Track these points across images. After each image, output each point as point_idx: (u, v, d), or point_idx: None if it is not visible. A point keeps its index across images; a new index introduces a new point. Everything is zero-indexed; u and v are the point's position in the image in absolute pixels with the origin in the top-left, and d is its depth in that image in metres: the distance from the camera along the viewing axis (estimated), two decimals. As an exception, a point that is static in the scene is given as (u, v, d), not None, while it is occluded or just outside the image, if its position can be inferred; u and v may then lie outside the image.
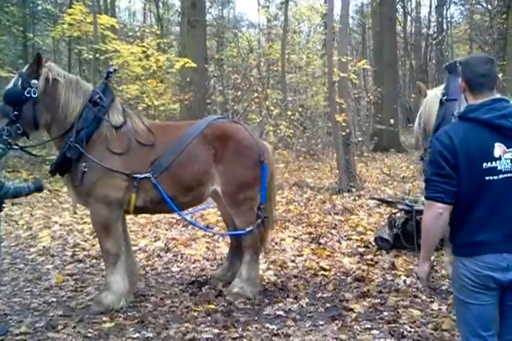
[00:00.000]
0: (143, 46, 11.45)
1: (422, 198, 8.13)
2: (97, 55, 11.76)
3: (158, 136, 4.48)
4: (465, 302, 2.50)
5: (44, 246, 6.73)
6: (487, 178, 2.38)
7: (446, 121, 3.82)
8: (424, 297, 4.60)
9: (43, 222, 8.16)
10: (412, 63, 26.66)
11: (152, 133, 4.48)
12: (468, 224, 2.46)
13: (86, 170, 4.21)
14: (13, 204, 9.37)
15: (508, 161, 2.38)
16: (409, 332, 3.85)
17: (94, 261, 6.11)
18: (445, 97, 4.22)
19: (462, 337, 2.58)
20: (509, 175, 2.38)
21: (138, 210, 4.61)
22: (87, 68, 17.58)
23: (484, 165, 2.38)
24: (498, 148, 2.38)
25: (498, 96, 2.46)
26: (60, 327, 4.05)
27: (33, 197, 9.72)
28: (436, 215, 2.44)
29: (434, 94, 4.58)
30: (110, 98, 4.48)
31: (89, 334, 3.91)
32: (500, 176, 2.38)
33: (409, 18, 29.40)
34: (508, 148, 2.38)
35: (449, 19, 29.94)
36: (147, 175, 4.32)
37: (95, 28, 9.76)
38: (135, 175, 4.30)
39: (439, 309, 4.28)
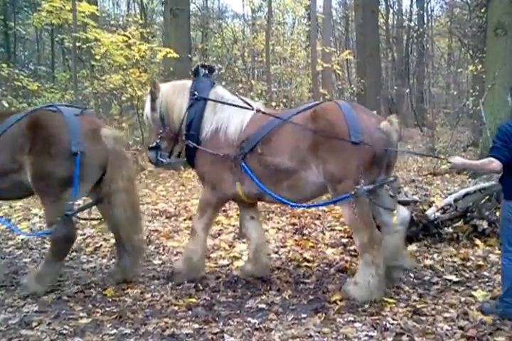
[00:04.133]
0: (124, 35, 11.22)
1: (405, 188, 8.16)
2: (79, 44, 11.53)
3: None
4: (510, 228, 3.77)
5: (22, 239, 6.58)
6: None
7: (198, 117, 4.71)
8: (406, 288, 4.56)
9: (22, 214, 7.98)
10: (394, 55, 26.69)
11: None
12: None
13: None
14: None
15: None
16: (392, 324, 3.80)
17: (74, 253, 5.98)
18: (195, 97, 4.76)
19: (504, 247, 3.87)
20: None
21: None
22: (69, 57, 17.26)
23: None
24: None
25: None
26: (34, 324, 3.93)
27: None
28: (495, 166, 3.67)
29: (169, 88, 4.93)
30: None
31: (65, 331, 3.80)
32: None
33: (391, 10, 29.47)
34: None
35: (429, 12, 30.12)
36: None
37: (74, 15, 9.53)
38: None
39: (422, 300, 4.25)
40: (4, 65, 12.58)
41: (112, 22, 15.48)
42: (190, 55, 12.97)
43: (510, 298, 3.79)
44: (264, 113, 4.61)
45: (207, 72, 5.00)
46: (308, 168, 4.27)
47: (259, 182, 4.41)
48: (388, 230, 4.46)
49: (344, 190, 4.12)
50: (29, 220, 7.59)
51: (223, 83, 12.81)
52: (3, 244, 6.45)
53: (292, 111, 4.62)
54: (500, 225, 4.20)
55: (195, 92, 4.77)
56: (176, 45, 12.16)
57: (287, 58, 17.21)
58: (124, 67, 11.81)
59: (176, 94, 4.88)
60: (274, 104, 12.05)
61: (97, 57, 12.08)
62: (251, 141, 4.45)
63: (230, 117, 4.68)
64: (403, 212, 4.56)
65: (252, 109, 4.66)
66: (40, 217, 7.72)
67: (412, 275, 4.90)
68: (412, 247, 5.62)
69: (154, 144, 4.92)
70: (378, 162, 4.18)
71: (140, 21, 15.33)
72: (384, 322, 3.83)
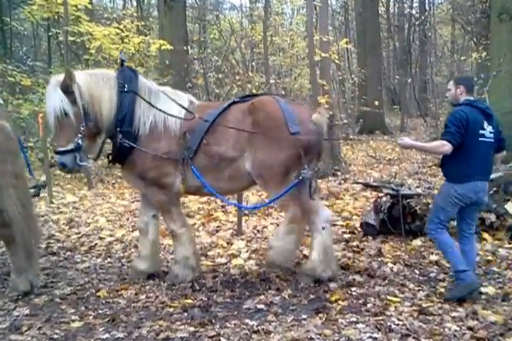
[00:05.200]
0: (117, 28, 10.98)
1: (409, 181, 7.97)
2: (73, 38, 11.30)
3: None
4: (445, 209, 4.07)
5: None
6: (480, 139, 3.97)
7: (131, 111, 4.38)
8: (412, 285, 4.40)
9: (16, 213, 7.80)
10: (396, 44, 26.33)
11: None
12: (465, 164, 3.95)
13: None
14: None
15: (488, 132, 4.01)
16: (397, 325, 3.62)
17: (68, 253, 5.84)
18: (126, 89, 4.39)
19: (432, 223, 4.14)
20: (489, 139, 4.01)
21: None
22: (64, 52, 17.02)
23: (479, 131, 3.97)
24: (485, 123, 4.01)
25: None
26: (24, 329, 3.76)
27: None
28: (447, 149, 3.90)
29: (88, 78, 4.41)
30: None
31: (56, 336, 3.64)
32: (486, 139, 3.99)
33: (391, -2, 28.99)
34: (488, 124, 4.03)
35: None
36: None
37: (66, 8, 9.30)
38: None
39: (428, 299, 4.07)
40: (-2, 61, 12.38)
41: (106, 15, 15.18)
42: (185, 48, 12.71)
43: (461, 266, 4.01)
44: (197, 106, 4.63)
45: (121, 62, 4.62)
46: (245, 157, 4.42)
47: (202, 180, 4.42)
48: (315, 227, 4.53)
49: (276, 179, 4.36)
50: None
51: (220, 76, 12.60)
52: (-5, 245, 6.27)
53: (226, 103, 4.66)
54: (435, 203, 4.26)
55: (125, 84, 4.41)
56: (170, 37, 11.92)
57: (286, 49, 16.97)
58: (119, 60, 11.54)
59: (100, 85, 4.40)
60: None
61: (92, 52, 11.84)
62: (197, 133, 4.41)
63: (167, 109, 4.48)
64: (324, 211, 4.67)
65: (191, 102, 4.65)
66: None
67: (417, 271, 4.73)
68: (417, 242, 5.45)
69: (73, 145, 4.25)
70: (311, 151, 4.44)
71: (135, 14, 15.09)
72: (388, 323, 3.65)
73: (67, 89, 4.20)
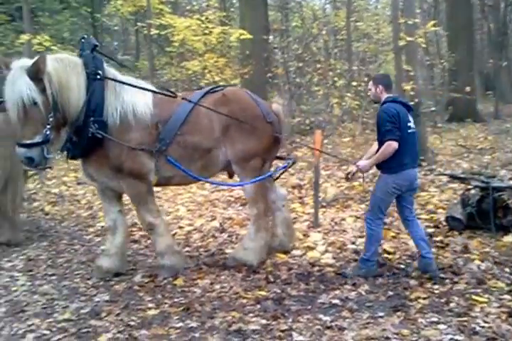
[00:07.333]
0: (198, 19, 11.10)
1: (502, 172, 7.43)
2: (157, 31, 11.57)
3: None
4: (383, 199, 4.37)
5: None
6: (409, 131, 4.27)
7: (101, 100, 4.21)
8: (501, 284, 4.09)
9: (104, 202, 8.16)
10: (490, 26, 24.64)
11: None
12: (400, 155, 4.21)
13: None
14: (78, 184, 9.50)
15: (412, 123, 4.35)
16: (483, 327, 3.39)
17: (149, 241, 5.97)
18: (99, 77, 4.21)
19: (373, 214, 4.42)
20: (414, 130, 4.33)
21: None
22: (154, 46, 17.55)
23: (407, 124, 4.28)
24: (409, 116, 4.36)
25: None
26: (103, 314, 3.92)
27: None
28: (394, 146, 4.16)
29: (54, 63, 4.07)
30: None
31: (132, 323, 3.75)
32: (412, 131, 4.31)
33: (486, -25, 27.10)
34: (411, 116, 4.40)
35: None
36: None
37: (148, 2, 9.51)
38: None
39: (519, 300, 3.75)
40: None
41: (188, 7, 15.41)
42: (266, 37, 12.62)
43: (374, 258, 4.45)
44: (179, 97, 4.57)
45: (92, 46, 4.34)
46: (219, 147, 4.58)
47: (182, 167, 4.44)
48: (276, 206, 5.07)
49: (254, 167, 4.67)
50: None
51: (300, 64, 12.40)
52: (83, 232, 6.60)
53: (198, 94, 4.70)
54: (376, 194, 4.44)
55: (98, 70, 4.21)
56: (250, 26, 11.86)
57: (371, 34, 16.38)
58: (200, 52, 11.71)
59: (68, 71, 4.10)
60: (354, 83, 11.47)
61: (176, 44, 12.07)
62: (170, 125, 4.41)
63: (133, 98, 4.36)
64: (281, 190, 5.22)
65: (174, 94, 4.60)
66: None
67: (507, 270, 4.39)
68: (509, 238, 5.04)
69: (41, 138, 3.89)
70: (279, 139, 4.82)
71: (216, 5, 15.21)
72: (473, 325, 3.43)
73: (35, 76, 3.85)
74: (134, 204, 4.68)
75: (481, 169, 8.09)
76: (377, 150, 4.32)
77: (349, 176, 4.62)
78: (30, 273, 5.03)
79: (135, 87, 4.42)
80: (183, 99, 4.50)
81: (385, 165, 4.31)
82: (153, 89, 4.68)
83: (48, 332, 3.68)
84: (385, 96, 4.40)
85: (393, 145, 4.16)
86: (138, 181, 4.45)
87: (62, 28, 16.17)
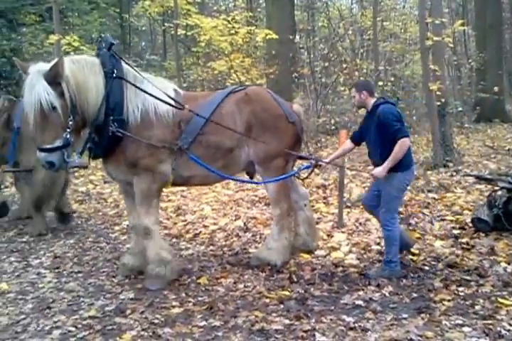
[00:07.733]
0: (224, 19, 11.15)
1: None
2: (184, 32, 11.66)
3: None
4: (398, 197, 4.47)
5: (128, 225, 6.78)
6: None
7: (120, 99, 4.22)
8: (529, 288, 4.01)
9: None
10: (520, 24, 24.14)
11: None
12: (408, 150, 4.35)
13: None
14: (105, 183, 9.66)
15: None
16: (508, 330, 3.34)
17: (174, 240, 6.07)
18: (115, 75, 4.20)
19: (390, 213, 4.43)
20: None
21: None
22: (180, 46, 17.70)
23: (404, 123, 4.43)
24: None
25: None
26: (128, 312, 3.96)
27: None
28: (408, 143, 4.28)
29: (71, 65, 4.03)
30: None
31: (156, 321, 3.78)
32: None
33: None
34: None
35: None
36: None
37: (176, 2, 9.59)
38: None
39: (547, 304, 3.69)
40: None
41: (215, 8, 15.51)
42: (292, 37, 12.61)
43: (396, 258, 4.43)
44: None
45: (109, 45, 4.30)
46: (242, 146, 4.61)
47: (207, 166, 4.44)
48: (298, 206, 5.09)
49: (276, 167, 4.70)
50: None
51: (326, 64, 12.36)
52: (109, 230, 6.71)
53: (221, 93, 4.74)
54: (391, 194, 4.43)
55: (114, 70, 4.18)
56: (277, 26, 11.88)
57: (397, 34, 16.21)
58: (226, 52, 11.75)
59: (85, 72, 4.09)
60: (381, 83, 11.38)
61: (202, 44, 12.15)
62: (193, 124, 4.42)
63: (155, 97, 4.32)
64: (302, 189, 5.27)
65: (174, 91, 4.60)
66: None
67: (534, 271, 4.30)
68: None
69: (61, 142, 3.89)
70: (301, 139, 4.98)
71: (243, 5, 15.26)
72: (498, 328, 3.38)
73: (53, 80, 3.83)
74: (137, 204, 4.46)
75: (509, 170, 7.94)
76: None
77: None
78: (57, 270, 5.13)
79: (141, 90, 4.30)
80: (190, 111, 4.38)
81: (398, 164, 4.30)
82: (174, 88, 4.68)
83: (73, 328, 3.73)
84: (372, 100, 4.44)
85: (407, 142, 4.25)
86: (151, 179, 4.37)
87: (91, 29, 16.41)
